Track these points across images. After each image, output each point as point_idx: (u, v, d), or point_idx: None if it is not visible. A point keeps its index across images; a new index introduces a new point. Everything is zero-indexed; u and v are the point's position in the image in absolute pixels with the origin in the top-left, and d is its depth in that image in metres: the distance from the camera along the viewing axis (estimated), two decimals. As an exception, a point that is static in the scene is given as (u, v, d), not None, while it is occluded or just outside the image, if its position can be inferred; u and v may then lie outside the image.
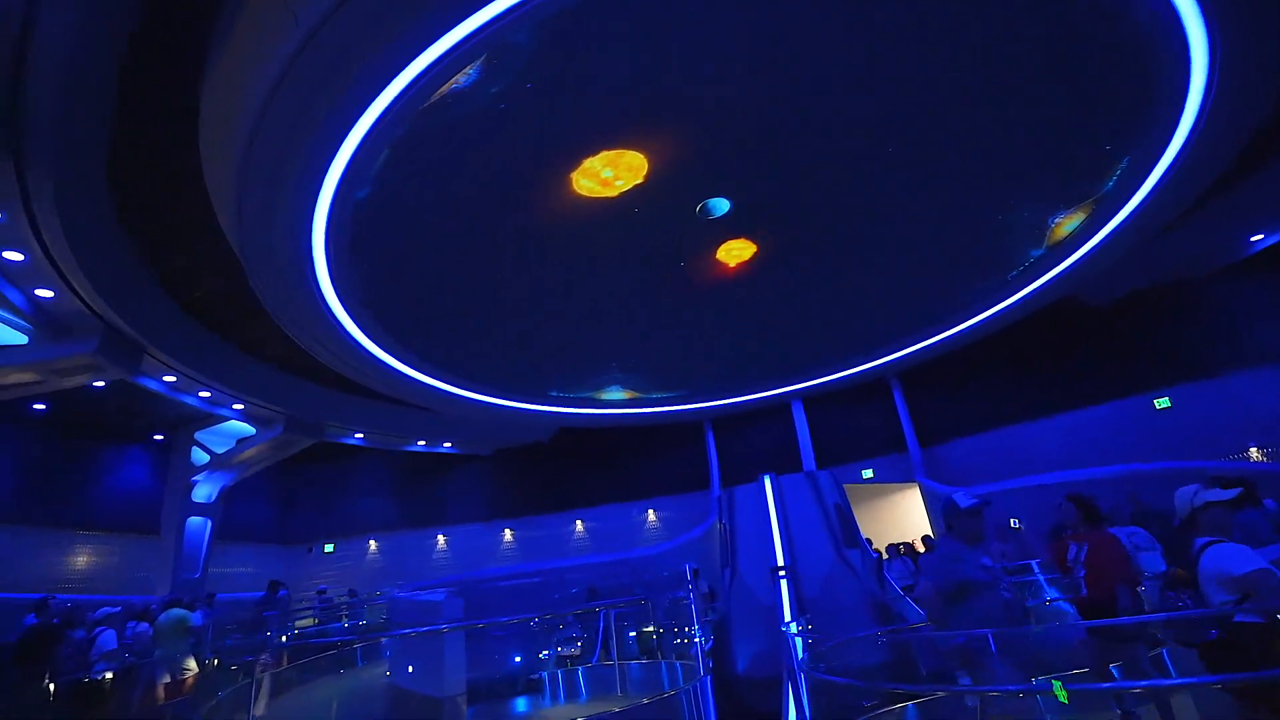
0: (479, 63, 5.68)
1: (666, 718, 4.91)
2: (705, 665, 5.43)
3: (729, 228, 9.26)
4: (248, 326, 10.71)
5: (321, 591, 14.76)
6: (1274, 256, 11.38)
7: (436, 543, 17.10)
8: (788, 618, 7.44)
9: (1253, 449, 11.33)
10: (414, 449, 16.25)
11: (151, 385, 11.16)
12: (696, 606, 6.31)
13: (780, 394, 15.95)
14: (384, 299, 9.57)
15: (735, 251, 9.97)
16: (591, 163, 7.56)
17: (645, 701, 4.88)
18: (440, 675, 6.37)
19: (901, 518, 14.44)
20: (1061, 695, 4.20)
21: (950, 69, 6.71)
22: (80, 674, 7.51)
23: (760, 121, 7.24)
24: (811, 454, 14.91)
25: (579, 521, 16.86)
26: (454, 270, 9.26)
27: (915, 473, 13.84)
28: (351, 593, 14.27)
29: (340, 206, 7.14)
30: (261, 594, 13.85)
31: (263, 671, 6.63)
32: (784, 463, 15.22)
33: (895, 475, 14.26)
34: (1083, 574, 4.71)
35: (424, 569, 16.64)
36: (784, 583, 7.67)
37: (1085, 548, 4.70)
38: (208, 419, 14.15)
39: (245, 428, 14.32)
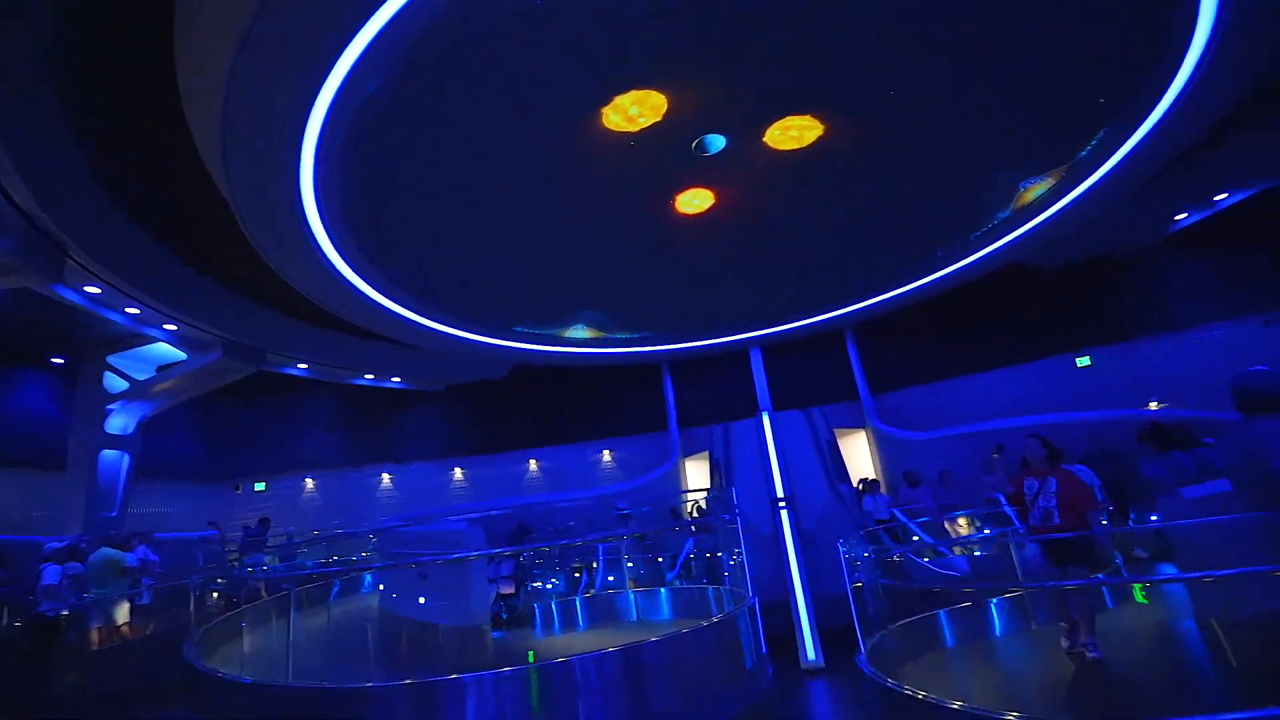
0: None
1: (718, 640, 5.06)
2: (751, 589, 5.60)
3: (706, 175, 9.18)
4: (191, 229, 9.50)
5: (246, 527, 13.91)
6: (1189, 237, 12.77)
7: (381, 481, 16.40)
8: (789, 546, 7.81)
9: (1152, 402, 12.94)
10: (361, 382, 15.31)
11: (69, 297, 9.72)
12: (743, 534, 6.46)
13: (740, 339, 16.32)
14: (363, 209, 8.74)
15: (699, 201, 9.97)
16: (623, 99, 7.41)
17: (708, 623, 4.99)
18: (468, 605, 6.23)
19: (848, 459, 15.40)
20: (1140, 595, 4.72)
21: (950, 22, 6.80)
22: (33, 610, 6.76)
23: (763, 65, 7.12)
24: (769, 399, 15.43)
25: (533, 461, 16.70)
26: (439, 194, 8.66)
27: (868, 418, 14.73)
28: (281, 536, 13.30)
29: (346, 96, 6.37)
30: (197, 534, 12.89)
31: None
32: (741, 407, 15.72)
33: (848, 421, 15.09)
34: (1054, 504, 5.13)
35: (368, 508, 15.98)
36: (784, 513, 8.00)
37: (1052, 482, 5.07)
38: (126, 340, 12.58)
39: (170, 352, 12.89)
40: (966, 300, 14.40)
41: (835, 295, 15.12)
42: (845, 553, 5.22)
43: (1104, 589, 6.16)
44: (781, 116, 8.11)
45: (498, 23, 6.00)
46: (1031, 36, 6.93)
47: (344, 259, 9.63)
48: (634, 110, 7.87)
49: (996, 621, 6.13)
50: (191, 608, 7.12)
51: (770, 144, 8.64)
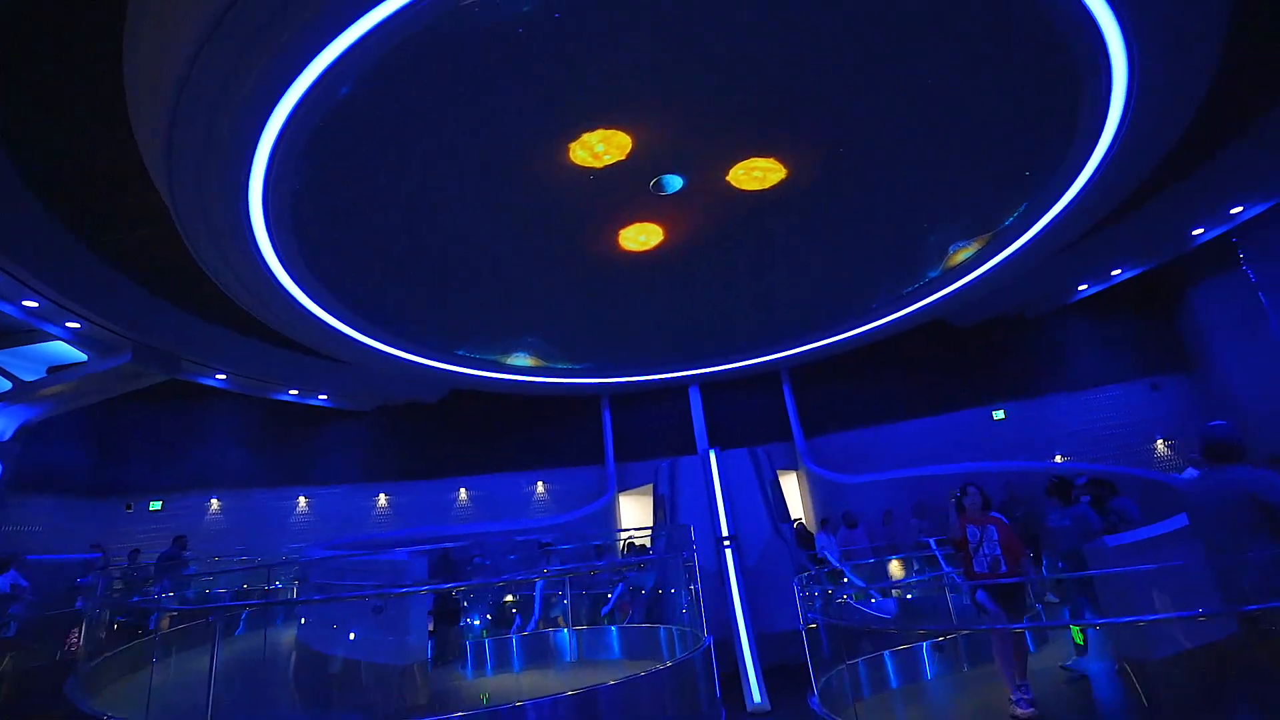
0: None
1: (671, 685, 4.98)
2: (706, 629, 5.57)
3: (658, 212, 9.45)
4: (109, 218, 8.70)
5: (135, 553, 12.63)
6: (1091, 304, 14.10)
7: (297, 504, 15.27)
8: (734, 585, 7.84)
9: (1058, 455, 14.01)
10: (283, 397, 14.34)
11: (-45, 284, 8.68)
12: (700, 569, 6.39)
13: (680, 376, 16.52)
14: (311, 218, 8.33)
15: (645, 237, 10.21)
16: (590, 137, 7.61)
17: (667, 665, 4.90)
18: (403, 641, 5.84)
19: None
20: (1079, 637, 4.97)
21: (896, 93, 7.34)
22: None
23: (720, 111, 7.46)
24: (705, 437, 15.63)
25: (463, 489, 16.07)
26: (390, 211, 8.49)
27: (802, 459, 15.14)
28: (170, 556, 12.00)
29: (316, 96, 6.12)
30: (75, 555, 11.57)
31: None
32: (679, 443, 15.84)
33: (781, 462, 15.44)
34: (999, 551, 5.41)
35: (280, 532, 14.81)
36: (729, 552, 8.05)
37: (992, 530, 5.26)
38: (15, 335, 11.29)
39: (66, 351, 11.65)
40: (895, 352, 15.24)
41: (775, 338, 15.66)
42: (801, 593, 5.29)
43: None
44: (746, 158, 8.45)
45: (465, 54, 6.02)
46: (970, 106, 7.56)
47: (284, 267, 9.12)
48: (600, 147, 8.07)
49: (927, 664, 6.34)
50: (80, 640, 6.29)
51: (733, 183, 8.95)
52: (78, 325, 10.21)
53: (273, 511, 15.05)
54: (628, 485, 15.85)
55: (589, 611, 7.45)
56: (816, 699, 4.99)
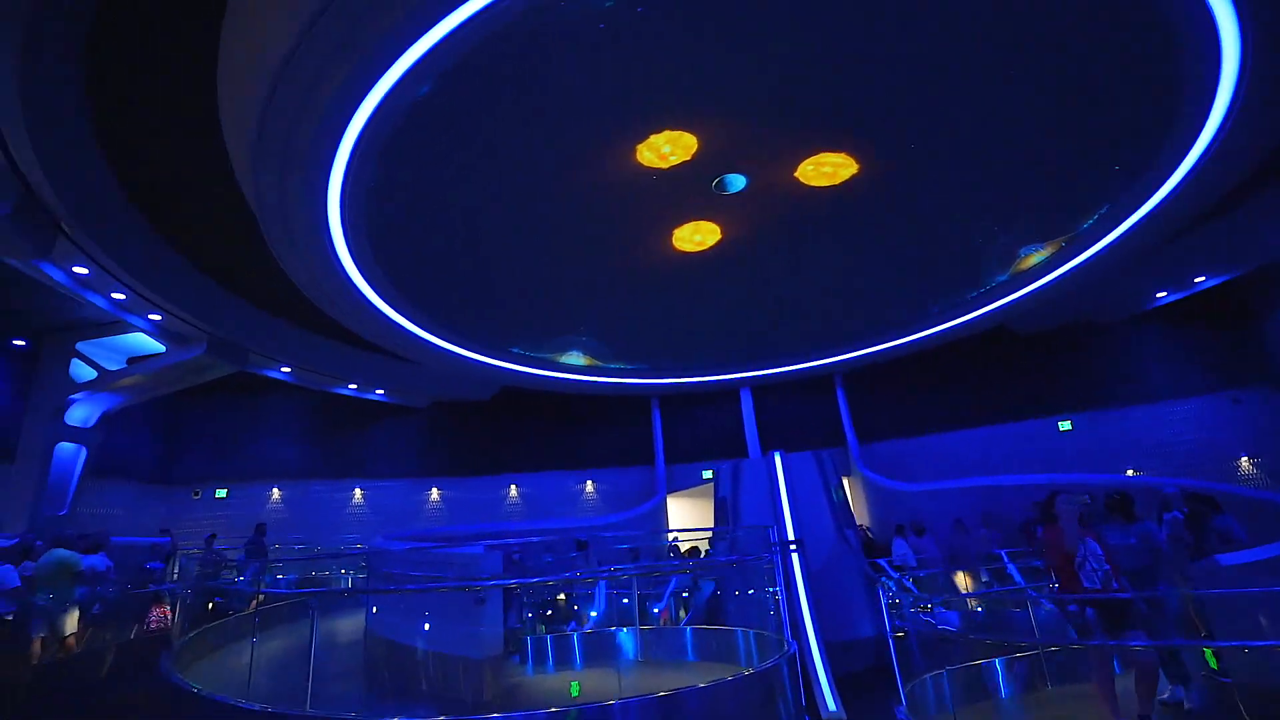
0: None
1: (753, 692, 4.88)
2: (789, 634, 5.44)
3: (718, 211, 9.31)
4: (193, 218, 9.08)
5: (211, 539, 13.04)
6: (1169, 312, 13.47)
7: (352, 496, 15.65)
8: (801, 591, 7.69)
9: (1129, 470, 13.40)
10: (343, 391, 14.72)
11: (54, 276, 9.13)
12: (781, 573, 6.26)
13: (731, 379, 16.37)
14: (382, 211, 8.51)
15: (700, 237, 10.09)
16: (657, 138, 7.59)
17: (754, 671, 4.81)
18: (478, 635, 5.88)
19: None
20: (1213, 662, 4.72)
21: (977, 88, 7.00)
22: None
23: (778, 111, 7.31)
24: (757, 441, 15.46)
25: (514, 486, 16.23)
26: (459, 207, 8.58)
27: (856, 465, 14.84)
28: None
29: (393, 101, 6.24)
30: (145, 539, 12.04)
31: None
32: (730, 446, 15.70)
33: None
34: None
35: (337, 523, 15.19)
36: (795, 557, 7.90)
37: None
38: (99, 327, 11.86)
39: (145, 343, 12.19)
40: (953, 358, 14.82)
41: (829, 342, 15.38)
42: (887, 598, 5.14)
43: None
44: (816, 153, 8.26)
45: (542, 53, 6.02)
46: (1056, 96, 7.19)
47: (355, 262, 9.34)
48: (666, 148, 8.04)
49: (1001, 681, 6.09)
50: (164, 618, 6.51)
51: (801, 179, 8.77)
52: (159, 317, 10.65)
53: (329, 503, 15.44)
54: (676, 487, 15.78)
55: (645, 612, 7.41)
56: (904, 709, 4.84)
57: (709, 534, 10.52)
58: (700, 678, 4.59)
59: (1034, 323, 14.50)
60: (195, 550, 11.36)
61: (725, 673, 5.13)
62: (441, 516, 15.68)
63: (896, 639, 5.06)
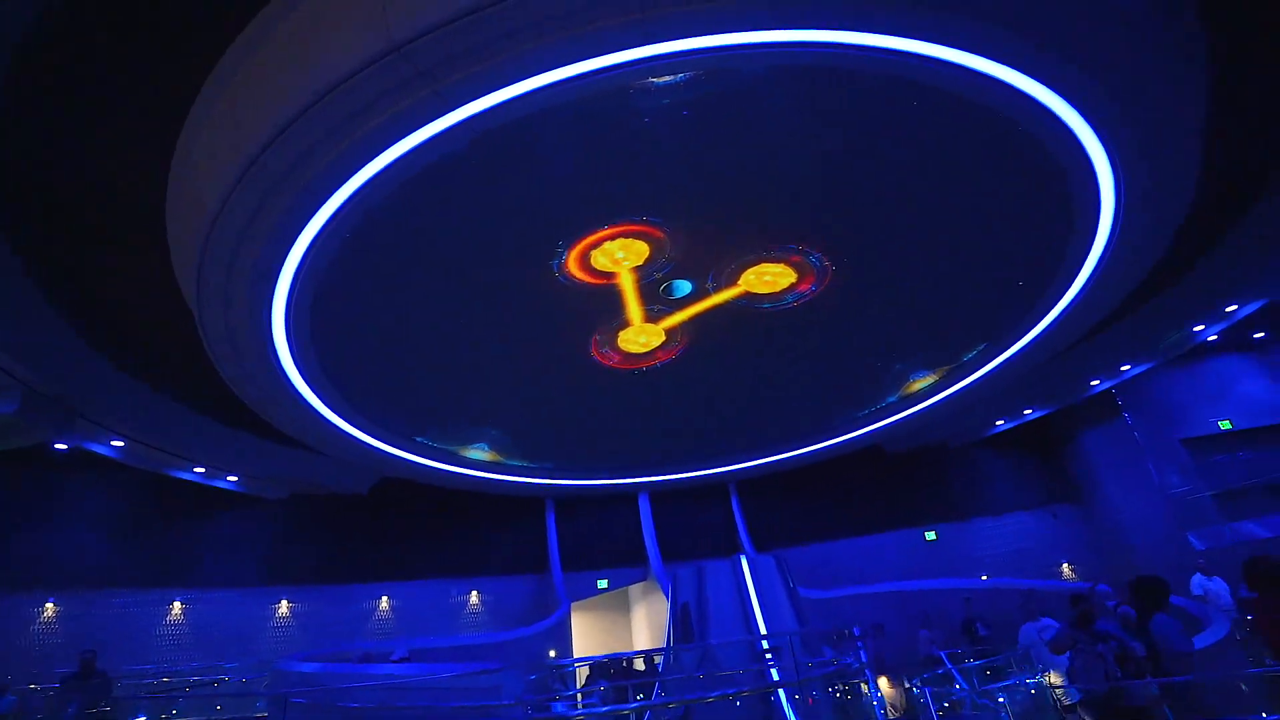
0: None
1: None
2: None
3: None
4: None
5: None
6: (1005, 438, 16.09)
7: (169, 610, 12.15)
8: (784, 700, 7.38)
9: (983, 575, 15.16)
10: (182, 475, 11.84)
11: None
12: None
13: (630, 484, 16.07)
14: (320, 310, 7.61)
15: (648, 337, 10.44)
16: (612, 245, 7.88)
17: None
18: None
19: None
20: None
21: (893, 217, 7.76)
22: None
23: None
24: (656, 548, 15.08)
25: (385, 597, 13.82)
26: (395, 307, 8.20)
27: (758, 574, 14.96)
28: None
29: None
30: None
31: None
32: (628, 555, 15.12)
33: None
34: None
35: (143, 645, 11.59)
36: (774, 670, 7.65)
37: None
38: None
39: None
40: (835, 472, 16.11)
41: (726, 450, 15.94)
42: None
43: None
44: (759, 263, 8.85)
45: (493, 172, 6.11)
46: (961, 236, 8.29)
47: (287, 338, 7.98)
48: (620, 254, 8.30)
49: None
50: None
51: (746, 287, 9.29)
52: (-35, 359, 8.00)
53: (138, 617, 11.83)
54: (571, 598, 14.61)
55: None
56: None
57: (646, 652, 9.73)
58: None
59: (902, 443, 16.43)
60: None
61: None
62: (291, 635, 12.72)
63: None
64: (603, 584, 15.04)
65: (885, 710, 8.23)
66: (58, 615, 11.46)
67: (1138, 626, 5.27)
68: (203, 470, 11.92)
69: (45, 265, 7.28)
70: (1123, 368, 13.30)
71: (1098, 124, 5.90)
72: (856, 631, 8.45)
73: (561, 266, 7.92)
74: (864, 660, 5.41)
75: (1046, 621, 7.82)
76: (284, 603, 13.05)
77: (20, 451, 10.35)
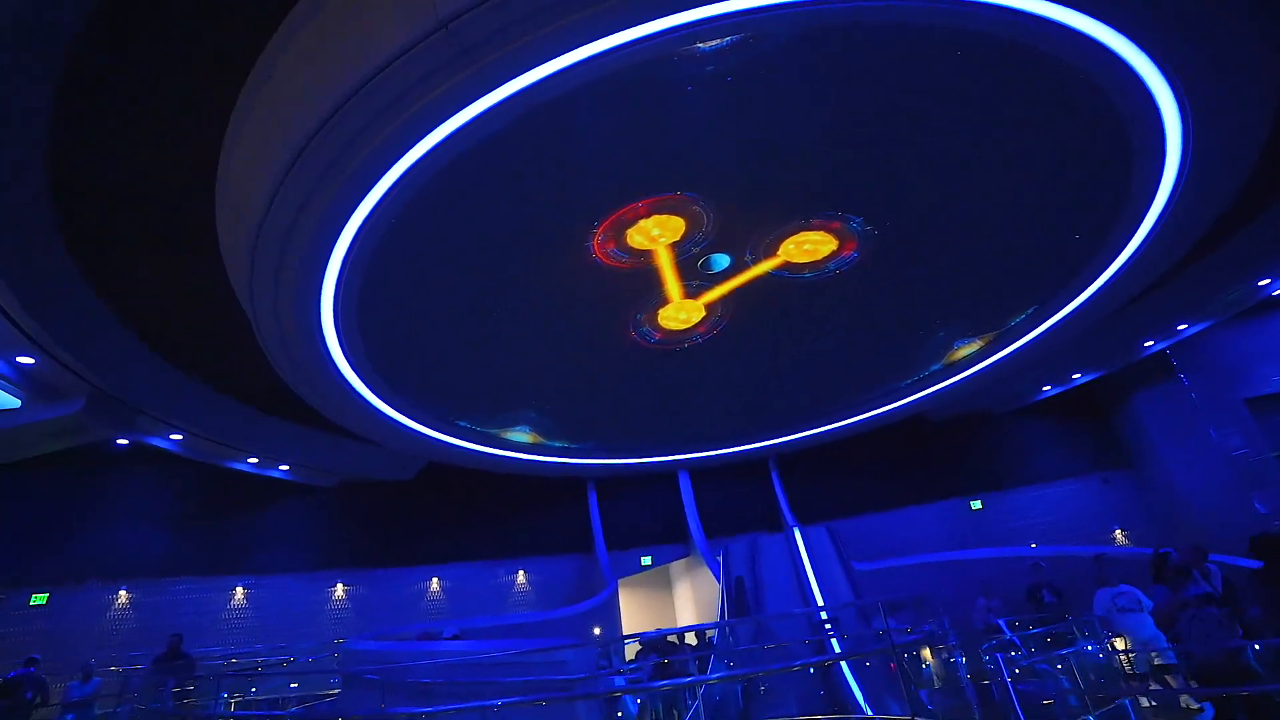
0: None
1: None
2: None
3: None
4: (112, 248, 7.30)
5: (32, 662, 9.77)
6: (1052, 404, 15.66)
7: (232, 596, 12.65)
8: (847, 670, 7.35)
9: (1032, 543, 14.89)
10: (237, 466, 12.22)
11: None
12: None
13: (670, 461, 16.08)
14: (369, 297, 7.68)
15: (688, 314, 10.33)
16: (647, 222, 7.80)
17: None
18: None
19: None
20: None
21: (950, 174, 7.47)
22: None
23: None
24: (699, 525, 15.11)
25: (435, 579, 14.16)
26: (441, 291, 8.22)
27: (802, 547, 14.93)
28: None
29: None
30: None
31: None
32: (670, 532, 15.19)
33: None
34: None
35: (210, 629, 12.10)
36: (834, 640, 7.60)
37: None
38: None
39: (-13, 397, 9.39)
40: (877, 443, 15.88)
41: (767, 425, 15.83)
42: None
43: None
44: (797, 232, 8.64)
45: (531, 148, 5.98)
46: (1013, 198, 8.06)
47: (337, 332, 8.10)
48: (655, 231, 8.18)
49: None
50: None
51: (785, 257, 9.11)
52: (32, 360, 8.31)
53: (201, 604, 12.35)
54: (619, 574, 14.77)
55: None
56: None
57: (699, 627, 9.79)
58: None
59: (943, 412, 16.11)
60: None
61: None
62: (347, 616, 13.15)
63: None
64: (646, 560, 15.16)
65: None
66: (130, 603, 12.00)
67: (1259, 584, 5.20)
68: (256, 460, 12.27)
69: (106, 270, 7.50)
70: (1179, 327, 12.78)
71: (1171, 72, 5.58)
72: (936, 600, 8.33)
73: (599, 246, 7.86)
74: (946, 627, 5.38)
75: (1124, 587, 7.63)
76: (339, 586, 13.47)
77: (82, 448, 10.75)
